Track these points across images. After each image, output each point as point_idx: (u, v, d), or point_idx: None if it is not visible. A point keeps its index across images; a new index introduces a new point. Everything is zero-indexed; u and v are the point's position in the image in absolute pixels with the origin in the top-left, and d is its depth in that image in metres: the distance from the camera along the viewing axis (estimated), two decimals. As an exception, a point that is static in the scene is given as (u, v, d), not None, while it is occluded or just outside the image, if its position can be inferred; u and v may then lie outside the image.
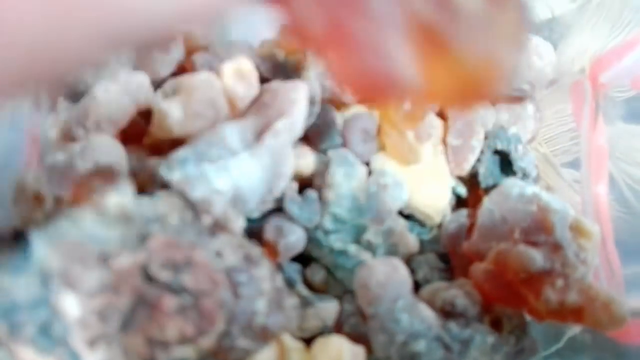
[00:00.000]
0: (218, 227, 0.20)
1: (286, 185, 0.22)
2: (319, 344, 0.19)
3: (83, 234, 0.15)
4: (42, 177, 0.20)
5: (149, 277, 0.14)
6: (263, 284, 0.17)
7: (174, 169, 0.20)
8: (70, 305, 0.13)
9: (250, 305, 0.16)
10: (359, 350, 0.20)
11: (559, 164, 0.33)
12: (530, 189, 0.23)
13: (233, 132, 0.21)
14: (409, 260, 0.24)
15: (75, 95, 0.24)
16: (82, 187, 0.17)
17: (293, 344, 0.19)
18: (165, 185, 0.20)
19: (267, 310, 0.17)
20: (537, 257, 0.20)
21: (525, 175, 0.25)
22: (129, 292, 0.14)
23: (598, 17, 0.27)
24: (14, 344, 0.13)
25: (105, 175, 0.18)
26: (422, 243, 0.25)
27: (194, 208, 0.20)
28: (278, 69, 0.26)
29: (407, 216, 0.26)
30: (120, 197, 0.16)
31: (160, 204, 0.19)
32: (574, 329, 0.24)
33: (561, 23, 0.32)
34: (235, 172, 0.20)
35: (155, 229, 0.17)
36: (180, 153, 0.20)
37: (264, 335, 0.17)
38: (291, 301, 0.19)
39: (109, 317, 0.13)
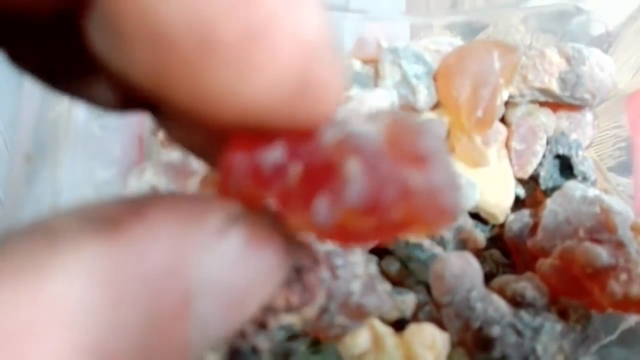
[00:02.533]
0: None
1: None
2: (412, 330, 0.22)
3: None
4: (160, 172, 0.22)
5: None
6: (357, 269, 0.19)
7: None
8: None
9: (346, 285, 0.19)
10: (446, 337, 0.22)
11: (605, 168, 0.35)
12: (592, 191, 0.25)
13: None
14: (475, 255, 0.26)
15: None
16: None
17: (385, 329, 0.21)
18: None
19: (362, 291, 0.19)
20: (602, 254, 0.22)
21: (584, 179, 0.27)
22: None
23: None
24: None
25: None
26: (486, 239, 0.27)
27: None
28: (355, 77, 0.28)
29: (471, 214, 0.28)
30: None
31: None
32: (629, 322, 0.26)
33: (614, 37, 0.34)
34: None
35: None
36: None
37: (359, 314, 0.19)
38: (384, 286, 0.21)
39: None
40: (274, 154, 0.08)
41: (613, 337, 0.27)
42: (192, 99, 0.08)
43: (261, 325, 0.16)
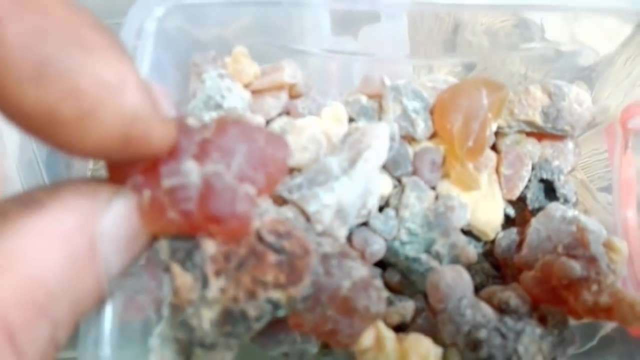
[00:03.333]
0: (326, 235, 0.25)
1: (374, 203, 0.28)
2: (412, 340, 0.25)
3: None
4: None
5: (260, 238, 0.20)
6: (353, 272, 0.21)
7: (293, 192, 0.26)
8: (209, 246, 0.19)
9: (337, 281, 0.21)
10: (440, 352, 0.25)
11: (595, 189, 0.38)
12: (571, 212, 0.29)
13: (333, 163, 0.27)
14: (468, 268, 0.30)
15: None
16: None
17: (389, 334, 0.25)
18: (286, 203, 0.26)
19: (352, 288, 0.21)
20: (576, 267, 0.26)
21: (566, 201, 0.30)
22: (246, 245, 0.19)
23: (626, 73, 0.32)
24: (171, 262, 0.19)
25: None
26: (478, 254, 0.31)
27: (308, 219, 0.26)
28: (362, 111, 0.32)
29: (466, 232, 0.31)
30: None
31: (282, 208, 0.25)
32: (606, 329, 0.29)
33: (603, 66, 0.37)
34: (338, 190, 0.26)
35: (271, 214, 0.22)
36: (296, 180, 0.26)
37: (347, 309, 0.21)
38: (379, 293, 0.23)
39: (230, 259, 0.19)
40: (135, 178, 0.17)
41: (594, 342, 0.30)
42: (60, 147, 0.13)
43: (251, 294, 0.19)
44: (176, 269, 0.20)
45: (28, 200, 0.14)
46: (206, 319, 0.19)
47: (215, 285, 0.19)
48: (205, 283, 0.19)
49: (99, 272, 0.15)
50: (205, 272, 0.19)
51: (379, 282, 0.23)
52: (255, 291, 0.19)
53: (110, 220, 0.15)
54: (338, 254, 0.22)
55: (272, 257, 0.20)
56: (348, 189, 0.26)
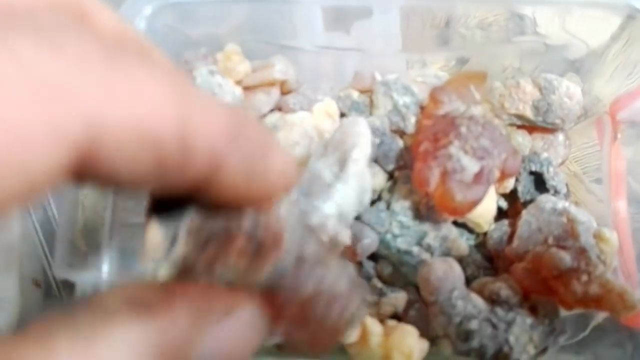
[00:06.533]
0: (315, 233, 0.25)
1: (369, 197, 0.28)
2: (395, 336, 0.25)
3: None
4: None
5: (238, 218, 0.19)
6: (324, 280, 0.21)
7: (293, 209, 0.26)
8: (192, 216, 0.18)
9: (302, 284, 0.20)
10: (425, 346, 0.25)
11: (589, 181, 0.38)
12: (561, 204, 0.29)
13: (323, 169, 0.27)
14: (460, 260, 0.30)
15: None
16: None
17: (375, 328, 0.25)
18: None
19: (315, 295, 0.21)
20: (566, 258, 0.26)
21: (556, 192, 0.31)
22: (222, 220, 0.18)
23: (617, 65, 0.32)
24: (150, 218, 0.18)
25: None
26: (470, 247, 0.31)
27: (313, 230, 0.25)
28: (353, 106, 0.32)
29: (459, 225, 0.32)
30: None
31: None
32: (598, 319, 0.29)
33: (593, 59, 0.37)
34: (336, 197, 0.26)
35: None
36: (292, 195, 0.26)
37: (301, 313, 0.20)
38: (357, 297, 0.23)
39: (203, 230, 0.18)
40: None
41: (586, 332, 0.30)
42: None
43: (209, 268, 0.19)
44: (154, 227, 0.20)
45: (134, 302, 0.13)
46: (160, 278, 0.19)
47: (181, 250, 0.19)
48: (172, 244, 0.20)
49: None
50: (176, 235, 0.20)
51: (356, 300, 0.22)
52: (213, 266, 0.19)
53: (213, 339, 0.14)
54: (314, 260, 0.22)
55: (240, 242, 0.20)
56: (345, 193, 0.27)
